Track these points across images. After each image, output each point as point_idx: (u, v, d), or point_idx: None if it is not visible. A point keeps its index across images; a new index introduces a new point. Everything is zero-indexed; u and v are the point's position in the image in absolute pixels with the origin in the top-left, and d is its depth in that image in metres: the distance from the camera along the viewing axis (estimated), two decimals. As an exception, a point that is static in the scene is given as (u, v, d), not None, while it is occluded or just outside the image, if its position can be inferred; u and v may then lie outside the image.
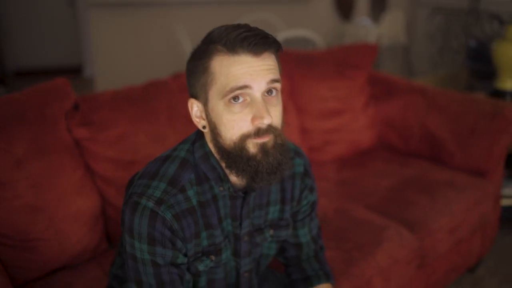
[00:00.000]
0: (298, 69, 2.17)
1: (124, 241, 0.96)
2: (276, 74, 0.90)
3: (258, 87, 0.87)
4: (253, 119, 0.88)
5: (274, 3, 4.72)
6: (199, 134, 1.00)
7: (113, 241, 1.58)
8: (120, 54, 4.34)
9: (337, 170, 2.11)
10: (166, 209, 0.92)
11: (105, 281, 1.37)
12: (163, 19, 4.37)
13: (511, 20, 2.55)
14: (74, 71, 5.78)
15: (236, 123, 0.88)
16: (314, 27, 4.61)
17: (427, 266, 1.78)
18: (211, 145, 0.96)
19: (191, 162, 0.97)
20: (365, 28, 4.27)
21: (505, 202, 2.39)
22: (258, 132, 0.88)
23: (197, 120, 0.95)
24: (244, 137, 0.89)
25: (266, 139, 0.89)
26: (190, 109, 0.96)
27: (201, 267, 1.00)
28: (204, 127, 0.95)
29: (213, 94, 0.90)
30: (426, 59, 4.78)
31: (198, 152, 0.98)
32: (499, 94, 2.56)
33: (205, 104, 0.92)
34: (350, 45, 2.49)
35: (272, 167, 0.90)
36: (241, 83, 0.86)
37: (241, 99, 0.88)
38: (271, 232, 1.09)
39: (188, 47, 3.69)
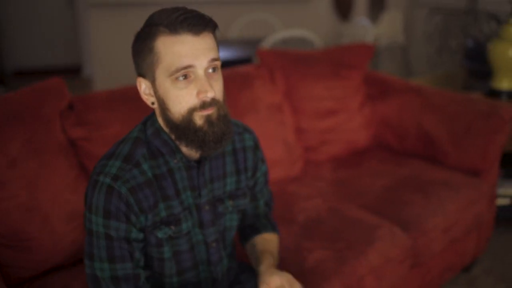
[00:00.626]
0: (294, 69, 2.17)
1: (84, 219, 1.04)
2: (216, 53, 1.00)
3: (201, 65, 0.96)
4: (198, 94, 0.97)
5: (273, 3, 4.72)
6: (151, 113, 1.09)
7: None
8: (119, 54, 4.35)
9: (332, 170, 2.11)
10: (122, 184, 0.99)
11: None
12: (161, 19, 4.37)
13: (508, 20, 2.55)
14: (73, 71, 5.79)
15: (183, 98, 0.97)
16: (313, 27, 4.62)
17: (422, 266, 1.78)
18: (160, 120, 1.04)
19: (143, 139, 1.06)
20: (363, 28, 4.27)
21: (500, 201, 2.39)
22: (203, 105, 0.97)
23: (146, 97, 1.04)
24: (191, 110, 0.98)
25: (211, 111, 0.99)
26: (138, 87, 1.04)
27: (160, 234, 1.06)
28: (153, 103, 1.03)
29: (160, 73, 0.98)
30: (425, 59, 4.79)
31: (149, 129, 1.06)
32: (495, 94, 2.57)
33: (153, 82, 1.00)
34: (346, 45, 2.49)
35: (218, 136, 1.00)
36: (185, 63, 0.95)
37: (186, 76, 0.97)
38: (231, 202, 1.17)
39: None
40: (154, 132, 1.05)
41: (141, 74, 1.03)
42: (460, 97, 2.21)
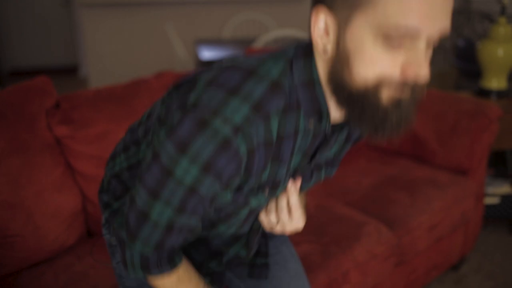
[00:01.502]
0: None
1: (153, 150, 0.76)
2: (450, 20, 0.67)
3: (429, 32, 0.65)
4: (405, 67, 0.67)
5: (267, 3, 4.74)
6: (301, 51, 0.77)
7: (94, 237, 1.60)
8: (115, 54, 4.37)
9: (320, 168, 2.13)
10: (243, 140, 0.71)
11: (76, 265, 1.39)
12: (156, 18, 4.39)
13: (497, 20, 2.56)
14: (70, 71, 5.81)
15: (381, 62, 0.66)
16: (307, 27, 4.63)
17: (407, 263, 1.80)
18: (323, 70, 0.74)
19: (285, 88, 0.74)
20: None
21: (489, 200, 2.41)
22: (403, 86, 0.68)
23: (319, 38, 0.71)
24: (382, 84, 0.68)
25: (406, 96, 0.69)
26: (313, 20, 0.71)
27: (253, 202, 0.85)
28: (325, 50, 0.72)
29: (363, 20, 0.66)
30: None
31: (300, 76, 0.75)
32: (484, 93, 2.58)
33: (343, 24, 0.68)
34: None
35: (400, 121, 0.70)
36: (412, 23, 0.63)
37: (400, 42, 0.66)
38: (324, 170, 0.94)
39: (179, 46, 3.71)
40: (307, 82, 0.75)
41: (325, 2, 0.69)
42: (447, 96, 2.22)
